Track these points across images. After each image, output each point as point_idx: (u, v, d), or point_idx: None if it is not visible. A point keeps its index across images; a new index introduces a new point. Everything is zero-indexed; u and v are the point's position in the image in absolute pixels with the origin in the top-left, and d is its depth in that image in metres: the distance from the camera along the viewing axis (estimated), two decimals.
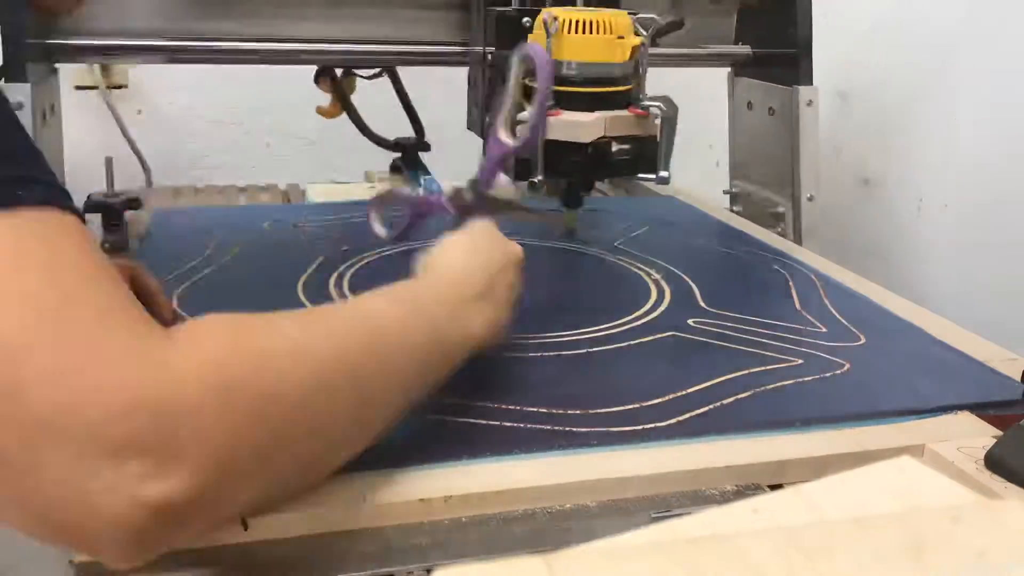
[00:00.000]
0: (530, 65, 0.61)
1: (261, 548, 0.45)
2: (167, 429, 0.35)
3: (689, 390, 0.61)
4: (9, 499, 0.35)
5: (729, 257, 0.92)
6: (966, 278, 1.19)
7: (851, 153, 1.39)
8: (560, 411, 0.57)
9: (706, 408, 0.59)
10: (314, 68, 1.08)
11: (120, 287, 0.38)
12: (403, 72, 1.13)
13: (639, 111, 0.78)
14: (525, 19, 0.82)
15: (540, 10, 0.79)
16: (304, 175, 1.24)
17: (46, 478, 0.34)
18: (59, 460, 0.33)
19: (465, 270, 0.57)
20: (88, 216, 0.90)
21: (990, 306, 1.11)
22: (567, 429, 0.55)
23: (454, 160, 1.02)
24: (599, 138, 0.77)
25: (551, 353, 0.67)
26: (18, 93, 0.86)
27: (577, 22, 0.76)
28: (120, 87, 1.37)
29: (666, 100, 0.79)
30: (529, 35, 0.80)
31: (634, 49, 0.78)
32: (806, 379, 0.64)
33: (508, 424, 0.56)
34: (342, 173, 1.34)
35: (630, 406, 0.58)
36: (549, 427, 0.56)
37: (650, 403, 0.59)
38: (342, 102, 1.09)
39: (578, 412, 0.57)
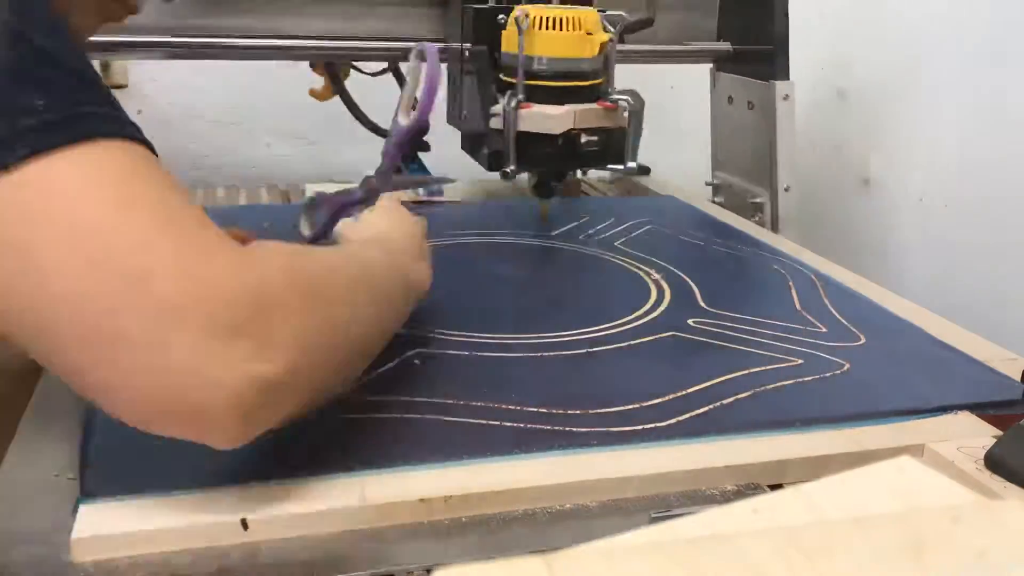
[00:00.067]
0: (422, 59, 0.62)
1: (261, 548, 0.45)
2: (264, 318, 0.41)
3: (689, 390, 0.61)
4: (129, 380, 0.39)
5: (729, 257, 0.92)
6: (966, 278, 1.19)
7: (851, 153, 1.39)
8: (560, 411, 0.57)
9: (706, 408, 0.59)
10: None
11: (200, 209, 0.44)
12: None
13: (608, 104, 0.82)
14: (500, 16, 0.84)
15: (514, 7, 0.82)
16: (304, 175, 1.24)
17: (173, 357, 0.39)
18: (184, 341, 0.39)
19: (403, 238, 0.68)
20: None
21: (990, 306, 1.11)
22: (567, 429, 0.55)
23: (454, 161, 1.02)
24: (569, 130, 0.81)
25: (551, 353, 0.67)
26: None
27: (547, 19, 0.79)
28: (120, 87, 1.37)
29: (633, 94, 0.82)
30: (503, 31, 0.83)
31: (603, 45, 0.81)
32: (806, 379, 0.64)
33: (508, 424, 0.56)
34: (342, 173, 1.34)
35: (630, 406, 0.58)
36: (549, 427, 0.56)
37: (650, 403, 0.59)
38: (335, 85, 1.10)
39: (578, 412, 0.57)
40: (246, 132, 1.44)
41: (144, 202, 0.41)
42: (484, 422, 0.56)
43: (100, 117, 0.42)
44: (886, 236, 1.34)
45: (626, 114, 0.82)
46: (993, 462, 0.52)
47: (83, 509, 0.46)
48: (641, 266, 0.87)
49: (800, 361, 0.66)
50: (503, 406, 0.58)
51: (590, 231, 0.98)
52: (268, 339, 0.41)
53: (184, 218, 0.41)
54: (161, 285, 0.39)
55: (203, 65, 1.26)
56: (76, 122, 0.40)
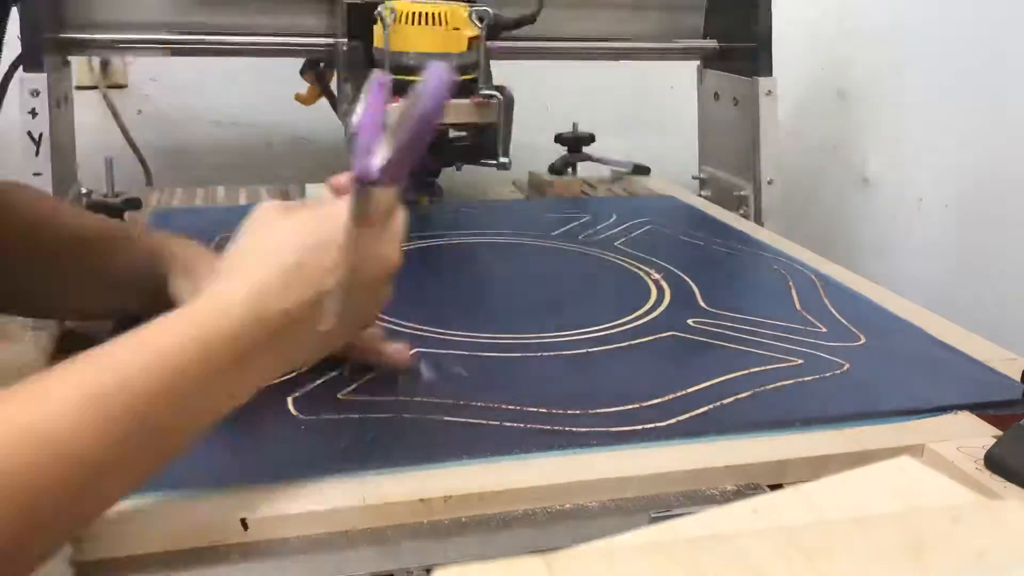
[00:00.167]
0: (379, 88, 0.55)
1: (261, 548, 0.45)
2: None
3: (689, 390, 0.61)
4: None
5: (729, 257, 0.92)
6: (966, 277, 1.19)
7: (851, 152, 1.39)
8: (560, 411, 0.57)
9: (706, 408, 0.59)
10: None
11: None
12: None
13: (479, 100, 0.83)
14: (377, 10, 0.85)
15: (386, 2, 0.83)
16: (304, 175, 1.23)
17: None
18: None
19: (301, 270, 0.48)
20: None
21: (990, 306, 1.11)
22: (567, 429, 0.55)
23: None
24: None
25: (551, 353, 0.67)
26: (36, 82, 0.93)
27: (413, 14, 0.81)
28: (120, 87, 1.37)
29: (502, 89, 0.83)
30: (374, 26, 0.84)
31: (471, 40, 0.82)
32: (806, 379, 0.64)
33: (508, 424, 0.56)
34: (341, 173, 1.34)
35: (630, 406, 0.58)
36: (549, 427, 0.56)
37: (650, 403, 0.59)
38: (324, 92, 1.10)
39: (578, 412, 0.57)
40: (246, 132, 1.44)
41: None
42: (484, 422, 0.56)
43: None
44: (886, 236, 1.34)
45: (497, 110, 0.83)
46: (993, 462, 0.52)
47: None
48: (641, 266, 0.87)
49: (800, 361, 0.66)
50: (503, 406, 0.58)
51: (590, 231, 0.98)
52: None
53: None
54: None
55: (203, 65, 1.26)
56: None
